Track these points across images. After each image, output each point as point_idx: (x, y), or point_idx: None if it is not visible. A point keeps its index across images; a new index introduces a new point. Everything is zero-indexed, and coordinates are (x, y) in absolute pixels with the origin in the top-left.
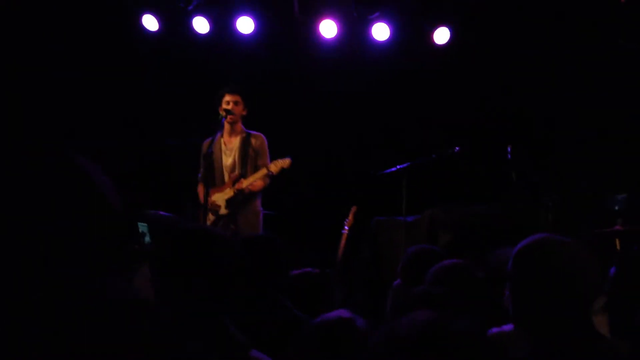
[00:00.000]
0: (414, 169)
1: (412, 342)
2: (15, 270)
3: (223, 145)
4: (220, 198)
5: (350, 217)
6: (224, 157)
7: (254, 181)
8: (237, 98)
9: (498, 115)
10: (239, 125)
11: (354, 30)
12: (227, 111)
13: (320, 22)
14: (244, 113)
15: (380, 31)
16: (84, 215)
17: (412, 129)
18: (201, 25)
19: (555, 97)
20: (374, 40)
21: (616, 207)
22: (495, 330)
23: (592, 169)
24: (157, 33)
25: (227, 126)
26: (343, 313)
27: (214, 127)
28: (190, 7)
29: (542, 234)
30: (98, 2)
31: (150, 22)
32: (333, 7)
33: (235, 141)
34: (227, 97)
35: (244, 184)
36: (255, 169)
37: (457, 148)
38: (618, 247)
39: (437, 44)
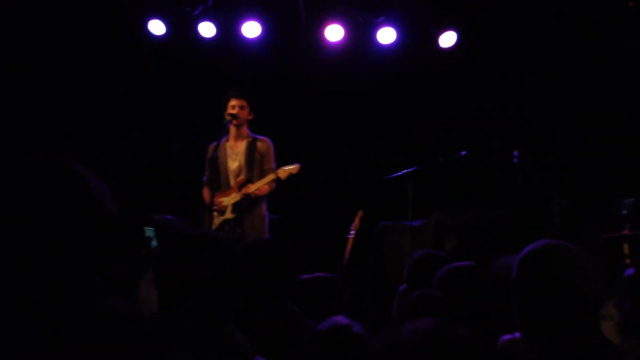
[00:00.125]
0: (420, 173)
1: (414, 350)
2: (9, 273)
3: (229, 150)
4: (226, 202)
5: (357, 221)
6: (229, 161)
7: (261, 186)
8: (243, 102)
9: (504, 119)
10: (245, 130)
11: (360, 34)
12: (233, 115)
13: (326, 26)
14: (250, 117)
15: (386, 35)
16: (78, 217)
17: (418, 133)
18: (207, 29)
19: (561, 101)
20: (379, 44)
21: (624, 212)
22: (507, 337)
23: (600, 173)
24: (164, 37)
25: (232, 130)
26: (340, 319)
27: (220, 131)
28: (196, 12)
29: (546, 240)
30: (106, 8)
31: (156, 27)
32: (339, 11)
33: (241, 145)
34: (233, 102)
35: (251, 188)
36: (262, 173)
37: (463, 152)
38: (626, 251)
39: (443, 48)
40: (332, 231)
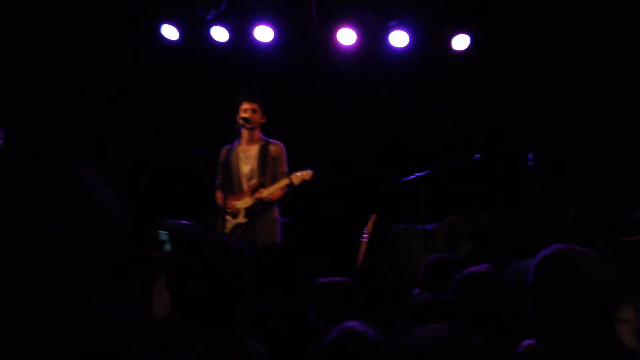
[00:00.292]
0: (433, 177)
1: (425, 357)
2: (8, 273)
3: (241, 153)
4: (238, 206)
5: (370, 225)
6: (242, 165)
7: (274, 191)
8: (255, 106)
9: (518, 122)
10: (257, 133)
11: (373, 37)
12: (245, 119)
13: (338, 30)
14: (262, 121)
15: (399, 38)
16: (77, 217)
17: (431, 136)
18: (220, 34)
19: (576, 103)
20: (392, 47)
21: None
22: (527, 342)
23: (615, 176)
24: (177, 42)
25: (245, 134)
26: (356, 325)
27: (232, 135)
28: (209, 17)
29: (561, 244)
30: (120, 13)
31: (169, 32)
32: (351, 15)
33: (254, 149)
34: (245, 105)
35: (264, 193)
36: (274, 177)
37: (477, 155)
38: None
39: (456, 51)
40: (345, 235)
